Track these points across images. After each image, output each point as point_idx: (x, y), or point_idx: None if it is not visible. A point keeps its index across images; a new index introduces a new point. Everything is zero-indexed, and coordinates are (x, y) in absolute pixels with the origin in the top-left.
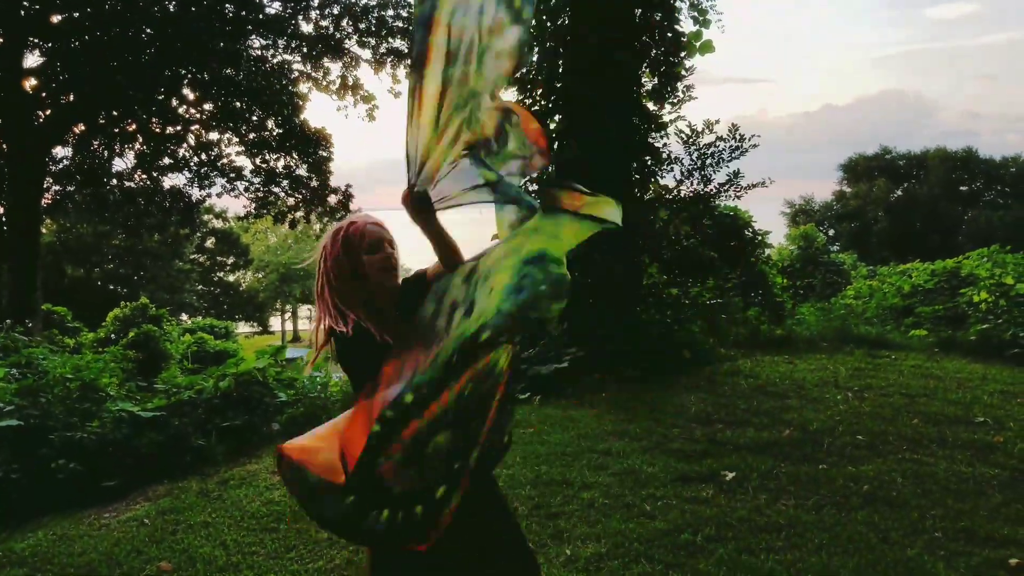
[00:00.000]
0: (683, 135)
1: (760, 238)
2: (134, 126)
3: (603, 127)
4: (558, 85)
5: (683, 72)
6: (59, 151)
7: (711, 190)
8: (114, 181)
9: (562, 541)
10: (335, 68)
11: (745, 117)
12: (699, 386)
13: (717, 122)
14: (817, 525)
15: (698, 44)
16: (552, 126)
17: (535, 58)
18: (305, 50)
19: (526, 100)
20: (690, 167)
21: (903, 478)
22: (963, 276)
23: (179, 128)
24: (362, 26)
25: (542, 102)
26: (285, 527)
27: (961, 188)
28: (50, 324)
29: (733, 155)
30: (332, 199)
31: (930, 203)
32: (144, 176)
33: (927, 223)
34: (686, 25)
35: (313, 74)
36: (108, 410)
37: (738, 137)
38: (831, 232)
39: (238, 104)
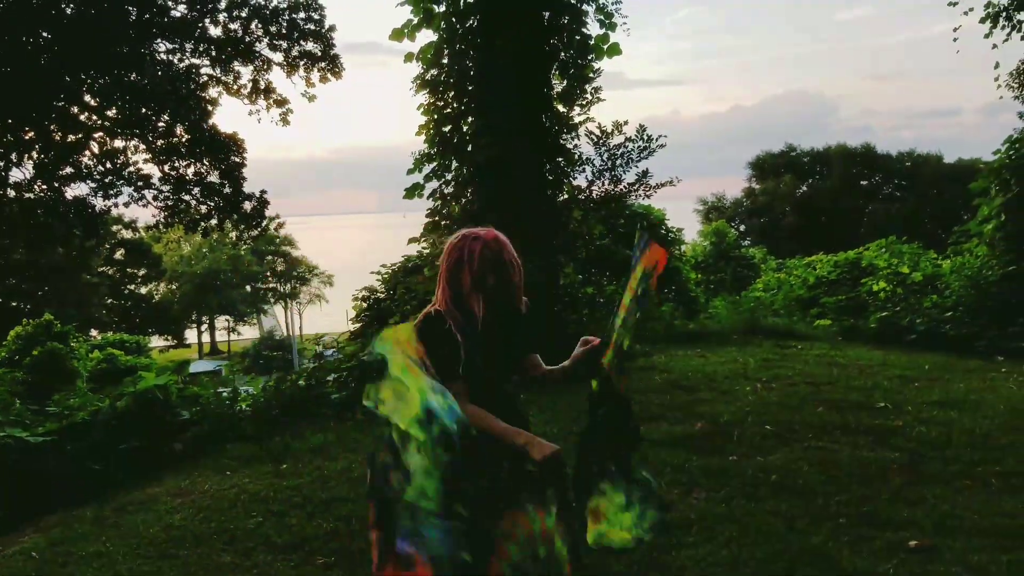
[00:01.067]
0: (593, 136)
1: (673, 235)
2: (31, 133)
3: (515, 129)
4: (470, 88)
5: (591, 75)
6: None
7: (621, 190)
8: (12, 193)
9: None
10: (246, 72)
11: (658, 119)
12: None
13: (626, 123)
14: (727, 517)
15: (605, 47)
16: (465, 128)
17: (445, 60)
18: (214, 53)
19: (438, 103)
20: (601, 167)
21: (809, 465)
22: (863, 267)
23: (81, 135)
24: (273, 29)
25: (454, 104)
26: (186, 552)
27: (862, 183)
28: None
29: (642, 155)
30: (247, 206)
31: (833, 197)
32: (45, 186)
33: (831, 217)
34: (593, 28)
35: (223, 78)
36: None
37: (646, 138)
38: (742, 228)
39: (143, 110)
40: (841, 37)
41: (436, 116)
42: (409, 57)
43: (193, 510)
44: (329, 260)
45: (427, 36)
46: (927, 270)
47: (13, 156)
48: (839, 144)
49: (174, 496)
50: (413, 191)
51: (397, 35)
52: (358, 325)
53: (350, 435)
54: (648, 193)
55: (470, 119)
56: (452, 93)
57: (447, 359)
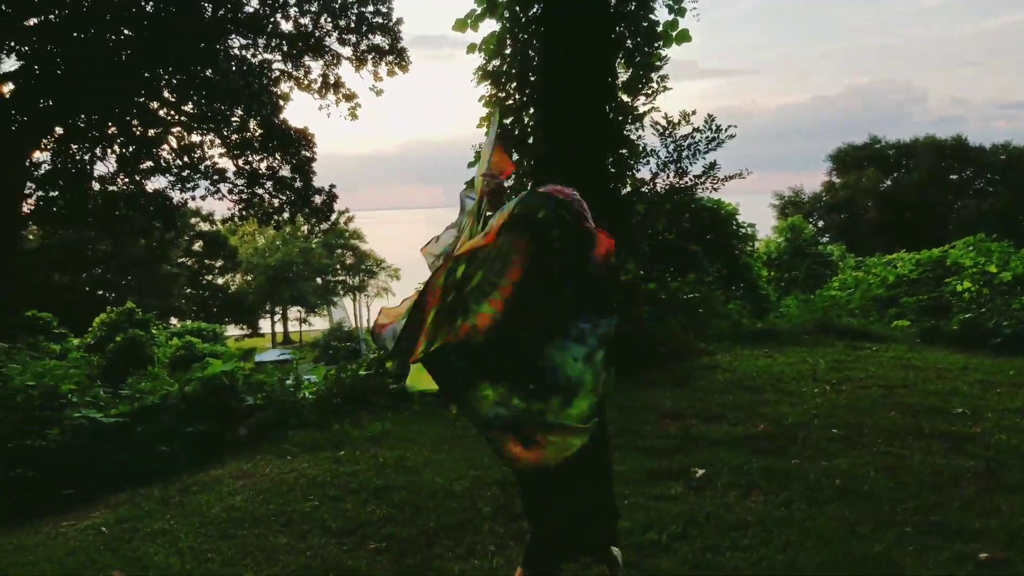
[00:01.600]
0: (659, 127)
1: (744, 230)
2: (114, 129)
3: (577, 120)
4: (532, 78)
5: (657, 63)
6: (38, 156)
7: (687, 182)
8: (96, 186)
9: (524, 542)
10: (316, 66)
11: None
12: (674, 382)
13: (694, 113)
14: (786, 521)
15: (674, 33)
16: (526, 120)
17: (508, 51)
18: (285, 49)
19: (500, 94)
20: (666, 159)
21: (876, 471)
22: (948, 266)
23: (159, 130)
24: (342, 23)
25: (516, 96)
26: (244, 532)
27: (951, 176)
28: (36, 330)
29: (709, 146)
30: (317, 199)
31: (919, 192)
32: (126, 179)
33: (917, 213)
34: (661, 14)
35: (294, 73)
36: (69, 417)
37: (714, 128)
38: (820, 224)
39: (218, 105)
40: (929, 22)
41: (497, 108)
42: (472, 48)
43: (253, 492)
44: (396, 254)
45: (490, 26)
46: (1017, 270)
47: (97, 150)
48: (927, 136)
49: (236, 479)
50: (473, 184)
51: (460, 25)
52: None
53: (406, 425)
54: (715, 186)
55: (531, 110)
56: (514, 84)
57: None
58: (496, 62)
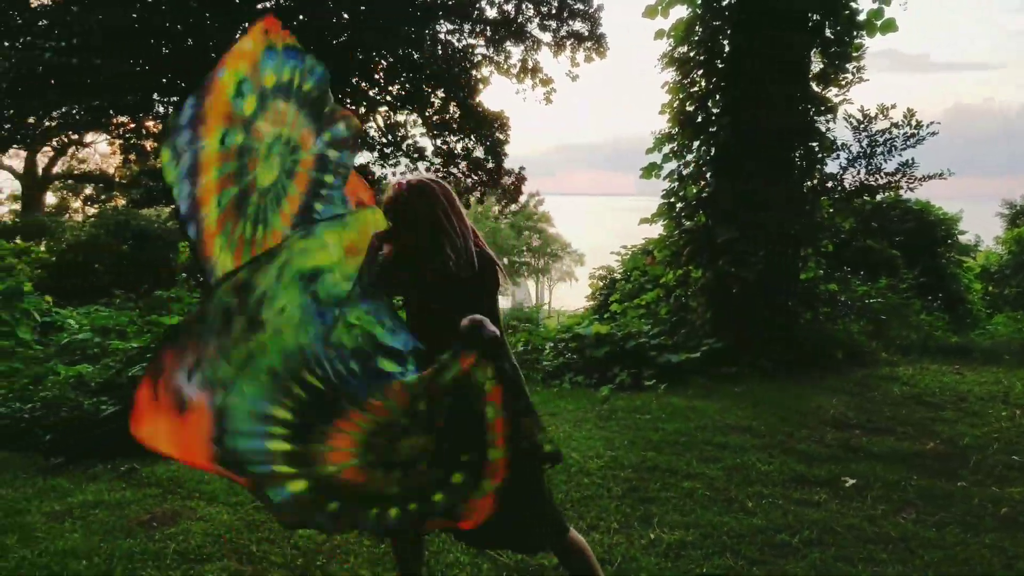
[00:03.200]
0: (853, 120)
1: (956, 237)
2: None
3: (764, 109)
4: (720, 65)
5: (855, 52)
6: None
7: (877, 180)
8: None
9: (649, 526)
10: (516, 51)
11: (966, 107)
12: (845, 389)
13: (893, 107)
14: (934, 543)
15: (878, 23)
16: (711, 105)
17: (697, 36)
18: (488, 34)
19: (684, 81)
20: (857, 154)
21: None
22: None
23: (368, 109)
24: (544, 9)
25: (702, 83)
26: None
27: None
28: None
29: (907, 143)
30: (506, 180)
31: None
32: None
33: None
34: (864, 2)
35: (495, 57)
36: None
37: (914, 124)
38: None
39: (423, 87)
40: None
41: (681, 95)
42: (660, 34)
43: None
44: (583, 239)
45: (679, 13)
46: None
47: None
48: None
49: None
50: (650, 171)
51: (651, 12)
52: (593, 303)
53: (552, 400)
54: (911, 185)
55: (717, 97)
56: (700, 71)
57: None
58: (683, 48)
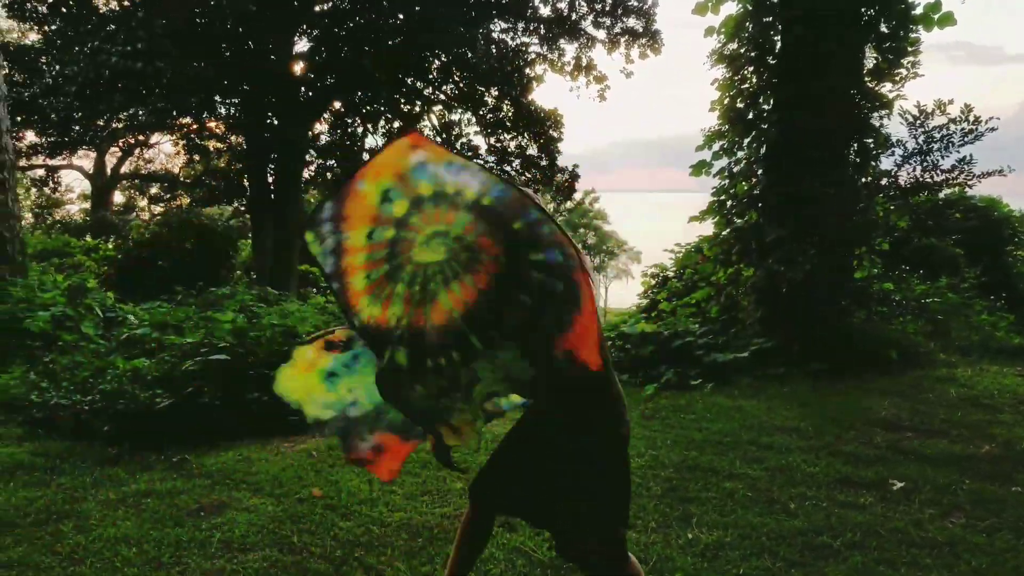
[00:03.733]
0: (909, 116)
1: (1020, 235)
2: (381, 106)
3: (817, 104)
4: (771, 61)
5: (910, 47)
6: (317, 128)
7: (933, 176)
8: (365, 157)
9: (688, 525)
10: (570, 49)
11: None
12: (898, 390)
13: (950, 102)
14: (983, 549)
15: (936, 16)
16: (761, 102)
17: (747, 33)
18: (542, 32)
19: (735, 77)
20: (913, 151)
21: None
22: None
23: (423, 108)
24: (598, 6)
25: (752, 79)
26: (428, 473)
27: None
28: (306, 283)
29: (965, 139)
30: (560, 178)
31: None
32: None
33: None
34: None
35: (549, 55)
36: None
37: (972, 119)
38: None
39: (477, 86)
40: None
41: (731, 92)
42: (710, 31)
43: None
44: (640, 237)
45: (729, 9)
46: None
47: (369, 125)
48: None
49: None
50: (700, 168)
51: (701, 9)
52: (645, 301)
53: None
54: (969, 182)
55: (768, 93)
56: (751, 68)
57: None
58: (733, 45)
